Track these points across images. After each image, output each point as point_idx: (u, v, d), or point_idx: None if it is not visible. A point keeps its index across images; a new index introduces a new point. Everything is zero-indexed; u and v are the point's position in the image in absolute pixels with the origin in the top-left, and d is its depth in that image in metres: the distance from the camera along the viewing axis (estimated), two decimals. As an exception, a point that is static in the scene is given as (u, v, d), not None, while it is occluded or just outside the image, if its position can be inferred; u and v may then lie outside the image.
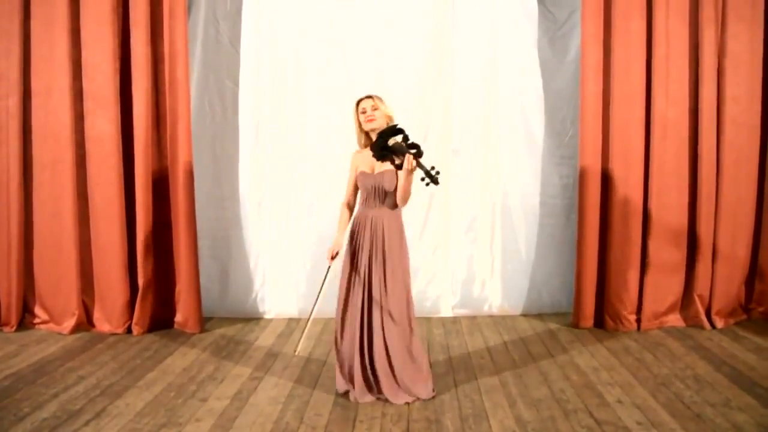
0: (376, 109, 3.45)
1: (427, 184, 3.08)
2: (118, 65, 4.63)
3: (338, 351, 3.54)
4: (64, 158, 4.68)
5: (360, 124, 3.50)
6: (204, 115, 5.11)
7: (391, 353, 3.42)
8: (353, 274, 3.48)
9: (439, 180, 3.07)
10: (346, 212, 3.59)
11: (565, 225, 5.21)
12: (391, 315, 3.40)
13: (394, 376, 3.44)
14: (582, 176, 4.72)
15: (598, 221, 4.73)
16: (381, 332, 3.42)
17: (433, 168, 3.09)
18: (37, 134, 4.74)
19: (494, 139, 5.19)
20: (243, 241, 5.22)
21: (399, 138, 3.30)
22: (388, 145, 3.29)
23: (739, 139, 4.75)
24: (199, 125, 5.00)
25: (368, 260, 3.43)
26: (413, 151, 3.21)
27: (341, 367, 3.53)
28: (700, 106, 4.70)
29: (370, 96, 3.50)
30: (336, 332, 3.54)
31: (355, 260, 3.47)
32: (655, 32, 4.61)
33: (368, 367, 3.45)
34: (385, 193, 3.45)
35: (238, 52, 5.11)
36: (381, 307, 3.41)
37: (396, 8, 5.08)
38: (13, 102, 4.69)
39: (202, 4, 5.04)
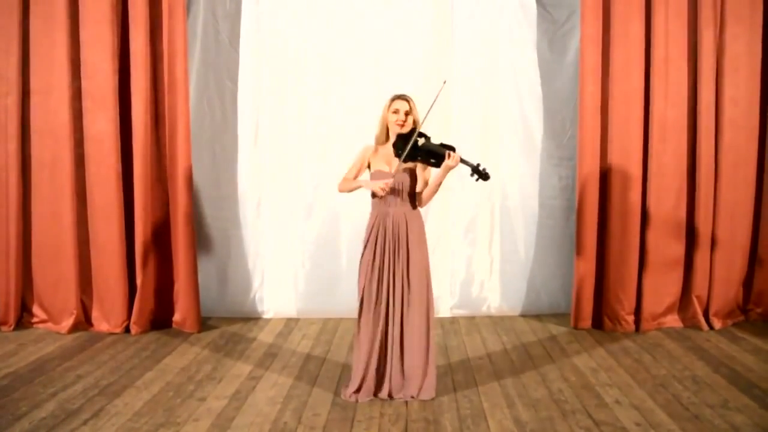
0: (408, 114, 3.43)
1: (477, 180, 3.27)
2: (117, 64, 4.63)
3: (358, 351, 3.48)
4: (63, 157, 4.67)
5: (386, 120, 3.46)
6: (203, 115, 5.10)
7: (412, 352, 3.42)
8: (376, 273, 3.42)
9: (489, 174, 3.25)
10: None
11: (564, 226, 5.20)
12: (414, 314, 3.41)
13: (405, 374, 3.46)
14: (581, 177, 4.72)
15: (596, 222, 4.74)
16: (403, 330, 3.42)
17: (478, 164, 3.26)
18: (36, 133, 4.73)
19: (493, 139, 5.19)
20: (242, 241, 5.22)
21: (422, 139, 3.35)
22: (418, 146, 3.33)
23: (737, 141, 4.75)
24: (198, 125, 5.00)
25: (392, 259, 3.42)
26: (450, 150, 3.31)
27: (364, 371, 3.46)
28: (698, 108, 4.71)
29: (407, 98, 3.44)
30: (356, 333, 3.49)
31: (377, 260, 3.43)
32: (654, 33, 4.61)
33: (385, 364, 3.44)
34: (406, 193, 3.45)
35: (237, 52, 5.11)
36: (405, 305, 3.41)
37: (395, 8, 5.08)
38: (12, 101, 4.68)
39: (201, 3, 5.04)
